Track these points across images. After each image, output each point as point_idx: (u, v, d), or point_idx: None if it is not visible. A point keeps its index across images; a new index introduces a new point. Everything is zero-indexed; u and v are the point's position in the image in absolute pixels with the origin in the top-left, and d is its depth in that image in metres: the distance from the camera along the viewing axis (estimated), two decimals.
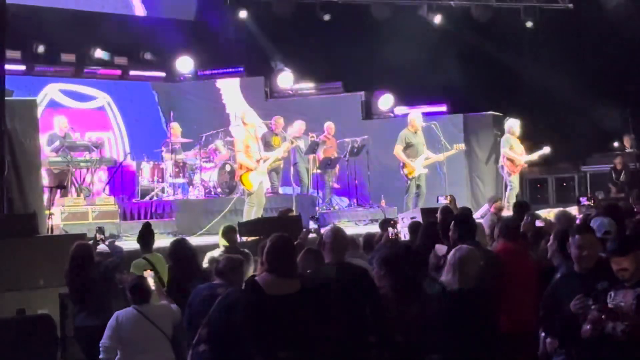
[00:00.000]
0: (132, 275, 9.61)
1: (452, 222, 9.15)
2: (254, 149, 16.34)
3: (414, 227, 10.85)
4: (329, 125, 20.65)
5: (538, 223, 10.38)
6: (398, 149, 18.53)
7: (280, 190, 19.59)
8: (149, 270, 9.16)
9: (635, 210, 13.03)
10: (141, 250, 10.54)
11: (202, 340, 7.95)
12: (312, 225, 11.72)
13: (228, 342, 7.56)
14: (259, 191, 16.37)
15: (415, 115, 19.20)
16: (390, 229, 11.21)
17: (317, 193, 20.02)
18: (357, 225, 19.00)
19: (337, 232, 7.90)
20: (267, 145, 18.93)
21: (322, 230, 9.87)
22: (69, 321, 9.83)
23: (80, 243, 10.03)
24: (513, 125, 19.54)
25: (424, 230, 10.27)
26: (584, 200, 15.43)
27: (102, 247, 10.58)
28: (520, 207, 11.93)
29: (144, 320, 8.23)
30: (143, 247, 10.57)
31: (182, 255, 9.76)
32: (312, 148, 19.73)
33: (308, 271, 7.73)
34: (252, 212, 16.05)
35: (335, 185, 20.86)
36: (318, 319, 7.20)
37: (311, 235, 11.35)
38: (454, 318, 7.52)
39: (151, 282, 8.69)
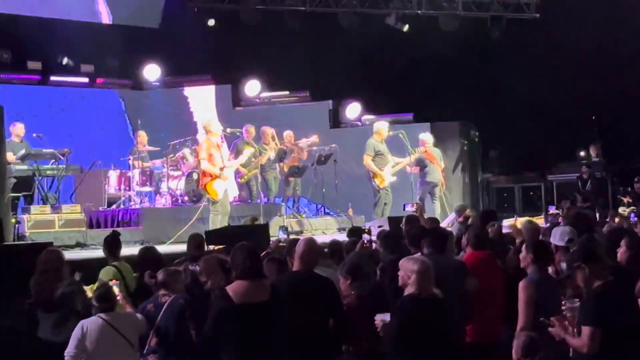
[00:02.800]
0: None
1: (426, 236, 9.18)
2: (217, 157, 16.33)
3: (382, 236, 10.85)
4: (289, 134, 20.63)
5: (505, 230, 10.43)
6: (368, 159, 18.55)
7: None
8: (114, 280, 9.10)
9: (599, 220, 13.12)
10: (109, 259, 10.44)
11: (151, 351, 7.97)
12: (282, 235, 11.71)
13: (178, 349, 7.57)
14: (224, 199, 16.38)
15: (382, 124, 19.25)
16: (365, 236, 11.22)
17: (284, 201, 20.02)
18: (325, 233, 18.99)
19: (311, 244, 7.92)
20: (240, 154, 18.97)
21: (291, 238, 9.88)
22: (34, 331, 9.70)
23: (51, 250, 9.89)
24: (427, 138, 19.52)
25: (390, 240, 10.29)
26: (552, 209, 15.56)
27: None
28: (487, 215, 11.98)
29: (110, 329, 8.17)
30: (110, 256, 10.47)
31: (150, 264, 9.69)
32: (280, 156, 19.74)
33: (273, 279, 7.76)
34: (218, 220, 16.04)
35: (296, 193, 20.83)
36: (286, 328, 7.22)
37: (281, 245, 11.33)
38: (416, 325, 7.53)
39: (117, 290, 8.65)
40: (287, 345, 7.24)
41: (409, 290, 7.53)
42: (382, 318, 7.73)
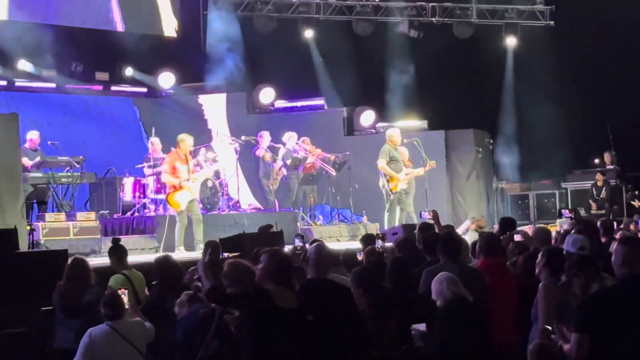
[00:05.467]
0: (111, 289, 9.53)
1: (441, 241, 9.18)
2: (182, 170, 16.59)
3: (397, 243, 10.85)
4: (304, 140, 20.64)
5: (517, 238, 10.41)
6: (383, 163, 18.54)
7: None
8: (122, 289, 9.05)
9: (614, 227, 13.07)
10: (116, 267, 10.38)
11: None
12: (298, 242, 11.69)
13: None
14: (192, 207, 16.64)
15: (395, 130, 19.26)
16: (379, 242, 11.22)
17: (300, 209, 20.03)
18: (339, 241, 18.98)
19: (321, 248, 7.89)
20: (258, 162, 19.09)
21: (307, 247, 9.85)
22: (49, 339, 9.70)
23: (77, 258, 9.86)
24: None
25: (406, 247, 10.29)
26: (565, 213, 15.53)
27: None
28: (507, 224, 11.95)
29: (117, 337, 8.12)
30: (117, 264, 10.41)
31: (168, 272, 9.63)
32: (295, 164, 19.77)
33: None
34: (183, 231, 16.18)
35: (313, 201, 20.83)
36: (309, 335, 7.20)
37: (297, 252, 11.31)
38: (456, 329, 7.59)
39: (125, 299, 8.60)
40: (306, 353, 7.22)
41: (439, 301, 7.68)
42: (417, 328, 7.77)
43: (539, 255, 8.14)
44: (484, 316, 7.98)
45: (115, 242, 10.78)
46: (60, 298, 9.37)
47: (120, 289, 9.04)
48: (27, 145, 17.49)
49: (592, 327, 6.32)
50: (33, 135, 17.75)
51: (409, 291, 8.51)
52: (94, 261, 13.53)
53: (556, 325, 6.79)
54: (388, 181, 18.60)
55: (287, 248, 12.05)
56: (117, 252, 10.50)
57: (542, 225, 12.62)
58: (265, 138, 19.77)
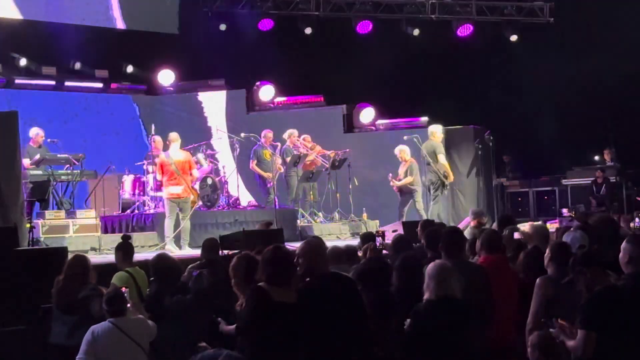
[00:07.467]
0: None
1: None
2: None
3: (394, 241, 10.83)
4: (305, 138, 20.63)
5: (516, 235, 10.40)
6: (444, 158, 18.96)
7: None
8: (124, 287, 9.04)
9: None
10: (121, 264, 10.38)
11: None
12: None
13: None
14: None
15: (438, 127, 19.52)
16: (379, 239, 11.20)
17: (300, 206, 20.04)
18: (339, 238, 18.98)
19: (314, 245, 7.84)
20: (260, 160, 19.08)
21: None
22: (47, 336, 9.69)
23: (78, 255, 9.87)
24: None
25: (401, 244, 10.27)
26: (564, 212, 15.54)
27: None
28: (504, 221, 11.93)
29: (120, 334, 8.12)
30: (123, 262, 10.40)
31: (165, 269, 9.64)
32: (294, 161, 19.76)
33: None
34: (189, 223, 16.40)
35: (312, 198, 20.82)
36: (312, 330, 7.17)
37: None
38: (429, 330, 7.51)
39: (127, 298, 8.58)
40: (309, 348, 7.19)
41: (425, 296, 7.56)
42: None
43: (547, 250, 8.17)
44: (469, 316, 7.81)
45: (125, 238, 10.77)
46: (57, 294, 9.39)
47: (122, 287, 9.05)
48: (31, 142, 17.50)
49: (598, 325, 6.33)
50: (36, 132, 17.74)
51: (413, 289, 8.50)
52: (94, 259, 13.55)
53: (557, 321, 6.80)
54: (445, 176, 18.76)
55: (288, 245, 12.07)
56: (124, 249, 10.48)
57: (539, 223, 12.59)
58: (268, 137, 19.75)
